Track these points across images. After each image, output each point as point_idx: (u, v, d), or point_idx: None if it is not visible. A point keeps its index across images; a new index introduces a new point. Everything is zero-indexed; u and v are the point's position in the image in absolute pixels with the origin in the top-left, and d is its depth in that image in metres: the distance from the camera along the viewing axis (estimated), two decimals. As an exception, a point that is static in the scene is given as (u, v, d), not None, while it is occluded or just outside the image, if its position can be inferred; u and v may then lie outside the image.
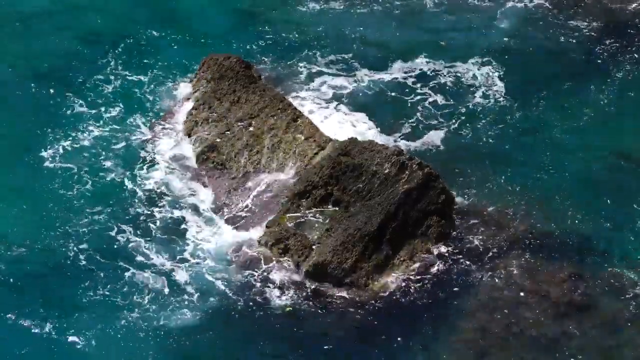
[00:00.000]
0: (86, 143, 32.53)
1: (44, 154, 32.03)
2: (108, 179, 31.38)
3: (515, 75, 36.19)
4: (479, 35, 38.30)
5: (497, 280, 28.70)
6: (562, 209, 30.80)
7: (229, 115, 32.94)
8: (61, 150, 32.16)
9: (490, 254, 29.40)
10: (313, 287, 28.43)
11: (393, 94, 35.30)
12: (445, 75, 36.08)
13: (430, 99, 35.00)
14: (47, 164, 31.74)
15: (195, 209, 30.55)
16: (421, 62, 36.68)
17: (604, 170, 32.31)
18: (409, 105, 34.77)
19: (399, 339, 27.31)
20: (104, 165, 31.84)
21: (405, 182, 29.47)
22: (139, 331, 27.13)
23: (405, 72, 36.23)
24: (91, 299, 27.83)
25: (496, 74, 36.13)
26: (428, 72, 36.26)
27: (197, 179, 31.57)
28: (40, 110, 33.85)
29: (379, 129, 33.44)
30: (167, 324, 27.38)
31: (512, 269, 28.94)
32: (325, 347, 27.08)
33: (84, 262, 28.81)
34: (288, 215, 29.63)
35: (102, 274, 28.44)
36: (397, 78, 36.00)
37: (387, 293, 28.43)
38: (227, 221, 30.16)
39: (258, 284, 28.49)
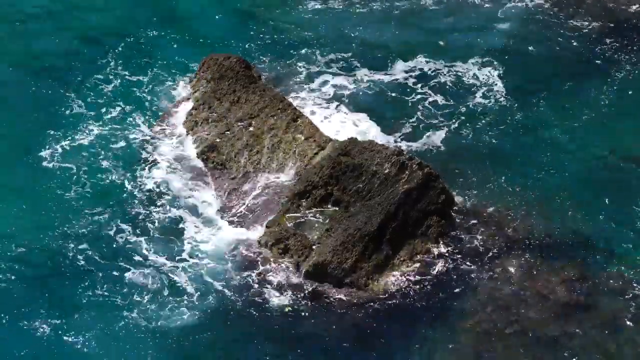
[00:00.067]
0: (86, 143, 32.53)
1: (43, 153, 32.03)
2: (107, 179, 31.38)
3: (516, 75, 36.19)
4: (479, 35, 38.30)
5: (497, 281, 28.68)
6: (562, 209, 30.79)
7: (229, 115, 32.94)
8: (61, 150, 32.15)
9: (490, 254, 29.39)
10: (312, 287, 28.42)
11: (393, 94, 35.29)
12: (445, 75, 36.08)
13: (431, 99, 35.00)
14: (46, 163, 31.72)
15: (194, 209, 30.55)
16: (421, 62, 36.69)
17: (604, 170, 32.31)
18: (410, 105, 34.77)
19: (398, 338, 27.29)
20: (104, 165, 31.83)
21: (405, 182, 29.46)
22: (138, 331, 27.13)
23: (406, 72, 36.24)
24: (90, 299, 27.83)
25: (496, 73, 36.13)
26: (428, 72, 36.27)
27: (196, 179, 31.56)
28: (40, 110, 33.86)
29: (379, 128, 33.44)
30: (167, 324, 27.37)
31: (512, 269, 28.93)
32: (324, 347, 27.07)
33: (83, 262, 28.80)
34: (288, 215, 29.62)
35: (101, 274, 28.44)
36: (397, 78, 36.00)
37: (387, 293, 28.41)
38: (226, 221, 30.16)
39: (257, 284, 28.48)
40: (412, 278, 28.76)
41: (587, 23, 38.60)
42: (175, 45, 37.12)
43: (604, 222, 30.42)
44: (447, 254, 29.38)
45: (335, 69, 36.27)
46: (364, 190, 29.63)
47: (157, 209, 30.48)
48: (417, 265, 29.10)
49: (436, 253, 29.42)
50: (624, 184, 31.78)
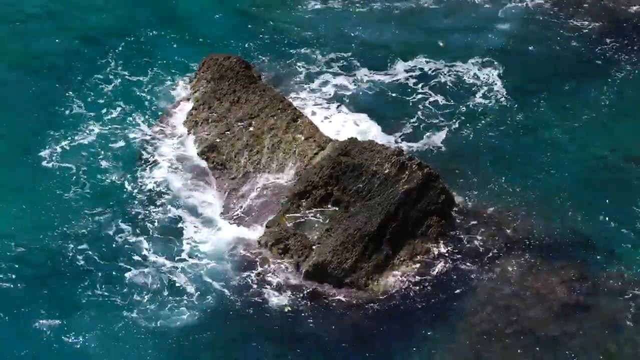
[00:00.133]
0: (85, 143, 32.53)
1: (43, 153, 32.02)
2: (107, 179, 31.37)
3: (516, 75, 36.19)
4: (479, 35, 38.30)
5: (497, 281, 28.67)
6: (562, 209, 30.79)
7: (229, 116, 32.93)
8: (61, 150, 32.15)
9: (490, 254, 29.38)
10: (312, 287, 28.41)
11: (394, 94, 35.29)
12: (445, 75, 36.08)
13: (431, 99, 35.00)
14: (46, 163, 31.72)
15: (194, 209, 30.54)
16: (421, 62, 36.68)
17: (604, 170, 32.31)
18: (410, 105, 34.76)
19: (398, 339, 27.28)
20: (103, 165, 31.83)
21: (405, 182, 29.46)
22: (138, 331, 27.12)
23: (406, 72, 36.24)
24: (90, 299, 27.83)
25: (496, 73, 36.13)
26: (428, 72, 36.27)
27: (196, 179, 31.55)
28: (40, 110, 33.86)
29: (380, 127, 33.43)
30: (167, 324, 27.37)
31: (512, 269, 28.93)
32: (324, 347, 27.06)
33: (83, 262, 28.80)
34: (288, 215, 29.61)
35: (101, 274, 28.44)
36: (397, 78, 36.00)
37: (387, 293, 28.41)
38: (226, 221, 30.14)
39: (257, 284, 28.47)
40: (412, 278, 28.76)
41: (587, 23, 38.60)
42: (175, 45, 37.12)
43: (604, 222, 30.41)
44: (447, 254, 29.38)
45: (335, 69, 36.27)
46: (364, 190, 29.63)
47: (157, 209, 30.48)
48: (417, 265, 29.09)
49: (436, 253, 29.41)
50: (624, 184, 31.78)
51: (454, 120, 34.11)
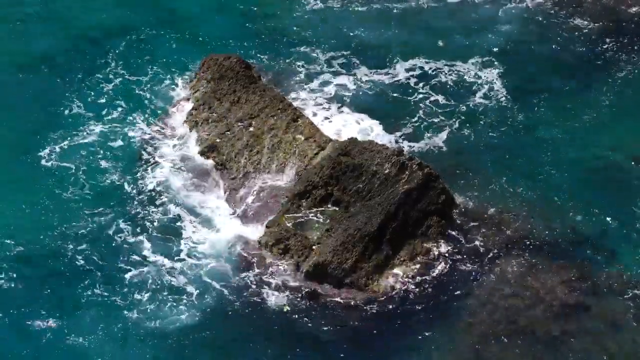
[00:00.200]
0: (85, 143, 32.54)
1: (42, 153, 32.03)
2: (107, 179, 31.38)
3: (516, 75, 36.17)
4: (479, 35, 38.27)
5: (497, 281, 28.67)
6: (562, 209, 30.79)
7: (229, 116, 32.92)
8: (60, 150, 32.15)
9: (491, 254, 29.38)
10: (312, 287, 28.41)
11: (395, 94, 35.28)
12: (446, 75, 36.07)
13: (432, 99, 34.99)
14: (46, 163, 31.73)
15: (194, 209, 30.53)
16: (422, 62, 36.66)
17: (604, 170, 32.30)
18: (411, 105, 34.75)
19: (398, 339, 27.28)
20: (103, 165, 31.83)
21: (405, 182, 29.45)
22: (137, 331, 27.13)
23: (406, 72, 36.23)
24: (90, 299, 27.85)
25: (497, 73, 36.12)
26: (429, 72, 36.26)
27: (196, 179, 31.54)
28: (40, 110, 33.86)
29: (380, 127, 33.42)
30: (166, 323, 27.37)
31: (513, 269, 28.92)
32: (324, 347, 27.05)
33: (82, 262, 28.83)
34: (288, 215, 29.61)
35: (100, 274, 28.47)
36: (398, 78, 35.98)
37: (387, 293, 28.41)
38: (226, 221, 30.14)
39: (257, 284, 28.46)
40: (412, 278, 28.75)
41: (587, 23, 38.59)
42: (175, 45, 37.10)
43: (604, 222, 30.41)
44: (447, 254, 29.38)
45: (335, 69, 36.25)
46: (364, 190, 29.62)
47: (157, 209, 30.48)
48: (417, 265, 29.08)
49: (436, 253, 29.40)
50: (624, 184, 31.78)
51: (455, 120, 34.10)
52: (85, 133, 32.93)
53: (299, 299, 28.07)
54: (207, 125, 32.89)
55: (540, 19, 39.01)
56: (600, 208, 30.82)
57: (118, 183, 31.22)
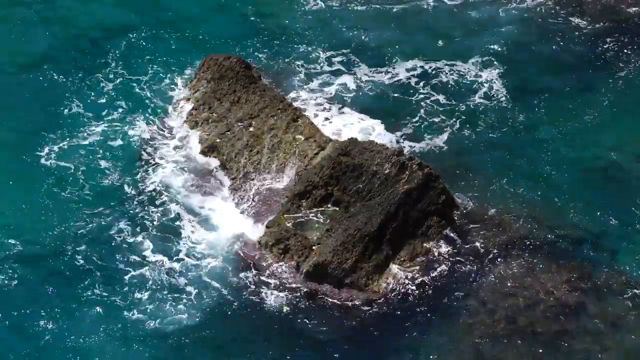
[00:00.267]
0: (85, 143, 32.53)
1: (42, 153, 32.02)
2: (107, 179, 31.37)
3: (516, 75, 36.18)
4: (480, 35, 38.26)
5: (497, 281, 28.67)
6: (562, 210, 30.80)
7: (229, 116, 32.92)
8: (60, 151, 32.14)
9: (491, 254, 29.38)
10: (312, 287, 28.42)
11: (395, 94, 35.28)
12: (446, 75, 36.07)
13: (432, 99, 34.99)
14: (45, 162, 31.72)
15: (194, 209, 30.53)
16: (422, 62, 36.66)
17: (604, 170, 32.31)
18: (412, 105, 34.75)
19: (398, 338, 27.29)
20: (103, 165, 31.82)
21: (405, 183, 29.44)
22: (137, 330, 27.14)
23: (407, 72, 36.24)
24: (90, 299, 27.84)
25: (497, 73, 36.12)
26: (429, 72, 36.26)
27: (196, 179, 31.55)
28: (40, 110, 33.84)
29: (381, 127, 33.42)
30: (166, 323, 27.37)
31: (513, 270, 28.92)
32: (324, 347, 27.05)
33: (82, 262, 28.82)
34: (288, 215, 29.61)
35: (100, 274, 28.47)
36: (398, 78, 35.98)
37: (387, 293, 28.41)
38: (226, 221, 30.14)
39: (257, 284, 28.46)
40: (412, 279, 28.75)
41: (587, 23, 38.59)
42: (175, 45, 37.09)
43: (605, 222, 30.43)
44: (447, 254, 29.38)
45: (335, 69, 36.25)
46: (364, 190, 29.62)
47: (157, 209, 30.47)
48: (417, 265, 29.09)
49: (436, 253, 29.40)
50: (625, 184, 31.80)
51: (455, 120, 34.10)
52: (85, 133, 32.92)
53: (298, 299, 28.07)
54: (207, 125, 32.89)
55: (540, 19, 39.01)
56: (600, 208, 30.84)
57: (118, 183, 31.22)
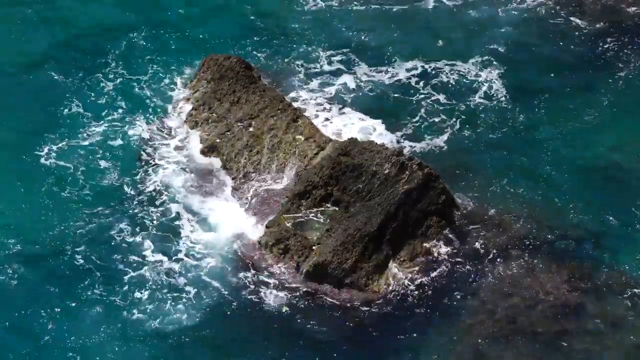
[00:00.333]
0: (85, 143, 32.53)
1: (42, 153, 32.02)
2: (106, 179, 31.36)
3: (516, 75, 36.16)
4: (480, 35, 38.25)
5: (497, 281, 28.67)
6: (562, 210, 30.78)
7: (229, 116, 32.92)
8: (59, 151, 32.14)
9: (491, 254, 29.37)
10: (312, 287, 28.41)
11: (395, 94, 35.27)
12: (447, 75, 36.07)
13: (433, 99, 34.97)
14: (45, 162, 31.72)
15: (194, 209, 30.52)
16: (422, 62, 36.65)
17: (604, 170, 32.30)
18: (411, 105, 34.74)
19: (398, 338, 27.28)
20: (103, 165, 31.82)
21: (405, 183, 29.44)
22: (137, 330, 27.14)
23: (407, 72, 36.23)
24: (90, 299, 27.85)
25: (497, 73, 36.11)
26: (429, 72, 36.25)
27: (196, 179, 31.54)
28: (40, 110, 33.84)
29: (381, 127, 33.41)
30: (166, 323, 27.37)
31: (513, 270, 28.92)
32: (323, 348, 27.04)
33: (82, 262, 28.82)
34: (288, 215, 29.61)
35: (100, 274, 28.47)
36: (398, 77, 35.97)
37: (387, 293, 28.40)
38: (226, 221, 30.13)
39: (256, 284, 28.45)
40: (412, 278, 28.75)
41: (587, 23, 38.58)
42: (175, 45, 37.09)
43: (604, 223, 30.42)
44: (447, 254, 29.37)
45: (335, 69, 36.24)
46: (364, 190, 29.61)
47: (156, 209, 30.47)
48: (417, 265, 29.08)
49: (436, 253, 29.40)
50: (625, 184, 31.79)
51: (455, 120, 34.09)
52: (85, 133, 32.92)
53: (298, 299, 28.06)
54: (207, 126, 32.89)
55: (540, 19, 39.01)
56: (600, 208, 30.83)
57: (117, 183, 31.22)
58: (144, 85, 34.93)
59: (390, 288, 28.56)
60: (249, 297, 28.13)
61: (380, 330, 27.44)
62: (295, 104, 33.35)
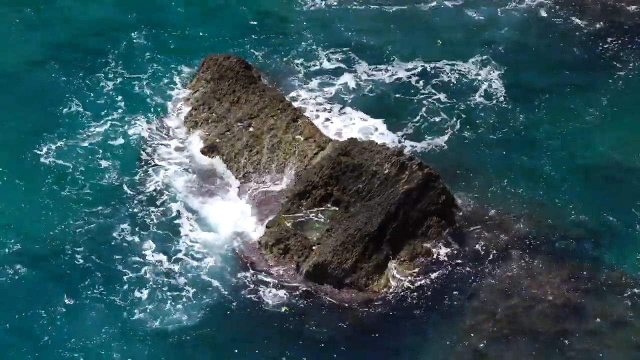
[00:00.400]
0: (84, 143, 32.54)
1: (42, 153, 32.02)
2: (106, 179, 31.36)
3: (516, 75, 36.17)
4: (480, 35, 38.29)
5: (497, 281, 28.66)
6: (562, 210, 30.77)
7: (228, 116, 32.92)
8: (59, 150, 32.15)
9: (491, 255, 29.37)
10: (312, 287, 28.40)
11: (395, 94, 35.28)
12: (446, 74, 36.07)
13: (433, 98, 34.98)
14: (45, 161, 31.73)
15: (194, 209, 30.52)
16: (422, 61, 36.66)
17: (604, 170, 32.29)
18: (411, 105, 34.74)
19: (398, 339, 27.27)
20: (103, 165, 31.82)
21: (405, 183, 29.43)
22: (137, 330, 27.13)
23: (407, 71, 36.23)
24: (90, 299, 27.83)
25: (497, 73, 36.12)
26: (429, 71, 36.26)
27: (196, 179, 31.53)
28: (40, 110, 33.86)
29: (381, 127, 33.41)
30: (165, 323, 27.36)
31: (513, 270, 28.92)
32: (323, 348, 27.03)
33: (82, 262, 28.82)
34: (288, 215, 29.60)
35: (100, 274, 28.46)
36: (398, 77, 35.98)
37: (387, 293, 28.39)
38: (226, 221, 30.13)
39: (256, 284, 28.45)
40: (412, 278, 28.74)
41: (587, 23, 38.60)
42: (175, 45, 37.09)
43: (604, 223, 30.42)
44: (447, 254, 29.36)
45: (335, 69, 36.25)
46: (364, 190, 29.61)
47: (156, 209, 30.47)
48: (418, 265, 29.07)
49: (436, 253, 29.39)
50: (625, 184, 31.79)
51: (456, 120, 34.11)
52: (85, 133, 32.93)
53: (298, 299, 28.05)
54: (206, 126, 32.89)
55: (540, 19, 39.02)
56: (600, 208, 30.83)
57: (117, 182, 31.22)
58: (144, 85, 34.95)
59: (391, 288, 28.55)
60: (249, 296, 28.13)
61: (380, 330, 27.43)
62: (295, 104, 33.36)
